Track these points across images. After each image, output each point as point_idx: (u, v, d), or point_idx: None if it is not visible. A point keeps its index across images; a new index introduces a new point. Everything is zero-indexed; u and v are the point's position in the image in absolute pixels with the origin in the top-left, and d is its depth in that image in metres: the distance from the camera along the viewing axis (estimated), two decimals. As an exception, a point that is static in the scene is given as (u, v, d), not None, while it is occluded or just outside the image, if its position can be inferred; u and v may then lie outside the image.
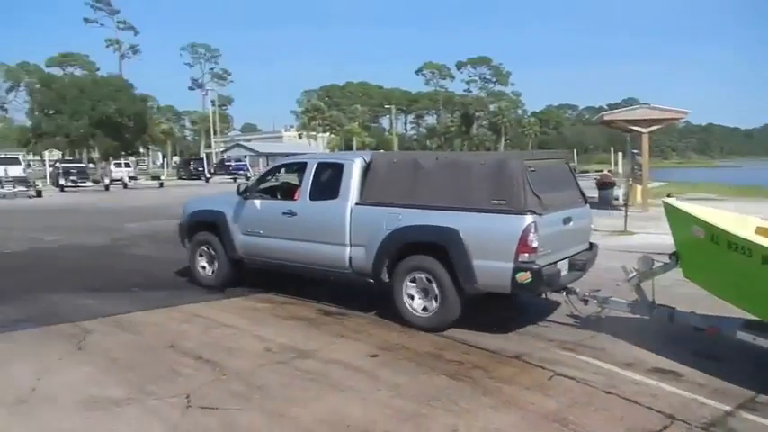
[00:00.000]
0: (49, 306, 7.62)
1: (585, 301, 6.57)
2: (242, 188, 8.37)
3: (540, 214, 6.10)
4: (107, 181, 39.40)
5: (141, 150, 65.00)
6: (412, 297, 6.69)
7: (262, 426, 4.31)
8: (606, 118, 21.68)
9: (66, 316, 7.11)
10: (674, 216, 5.93)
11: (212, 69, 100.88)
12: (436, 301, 6.51)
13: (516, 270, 5.98)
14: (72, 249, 11.85)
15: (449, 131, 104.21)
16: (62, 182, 36.93)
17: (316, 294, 8.10)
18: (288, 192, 8.33)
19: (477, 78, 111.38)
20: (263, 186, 8.51)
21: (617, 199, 22.20)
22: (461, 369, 5.44)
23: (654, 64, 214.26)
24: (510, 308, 7.33)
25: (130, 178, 42.82)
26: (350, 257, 7.12)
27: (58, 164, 43.84)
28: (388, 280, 6.85)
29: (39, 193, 30.52)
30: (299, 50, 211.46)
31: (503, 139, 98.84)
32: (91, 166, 48.73)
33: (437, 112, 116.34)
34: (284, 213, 7.70)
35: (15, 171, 32.20)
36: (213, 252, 8.44)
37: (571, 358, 5.65)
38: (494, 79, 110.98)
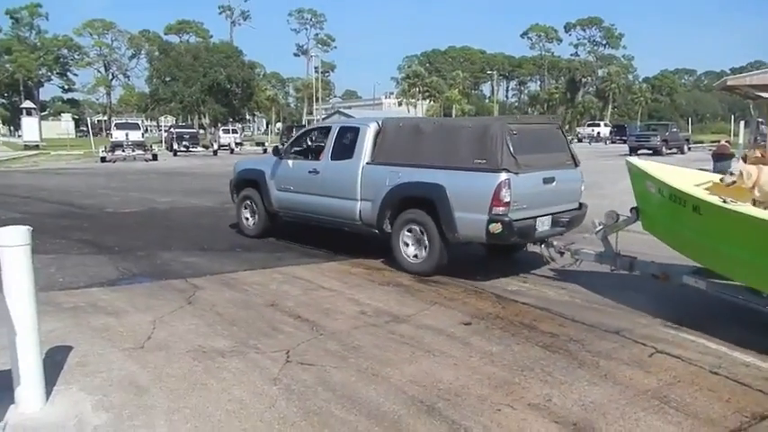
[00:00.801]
0: (163, 263, 8.22)
1: (561, 253, 7.30)
2: (279, 149, 9.62)
3: (516, 173, 6.83)
4: (216, 146, 41.33)
5: (247, 117, 67.66)
6: (407, 245, 7.57)
7: (356, 383, 4.45)
8: (730, 83, 20.01)
9: (178, 272, 7.65)
10: (634, 173, 6.58)
11: (317, 35, 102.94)
12: (425, 250, 7.35)
13: (490, 221, 6.77)
14: (183, 211, 12.65)
15: (552, 98, 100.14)
16: (175, 146, 39.26)
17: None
18: (316, 152, 9.17)
19: (585, 41, 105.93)
20: (296, 148, 9.52)
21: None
22: (557, 341, 5.33)
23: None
24: (616, 285, 7.08)
25: (237, 144, 44.56)
26: (360, 211, 8.04)
27: (171, 129, 46.62)
28: (389, 230, 7.72)
29: (155, 157, 32.66)
30: (402, 14, 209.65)
31: (610, 106, 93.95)
32: (201, 131, 51.31)
33: (541, 78, 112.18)
34: (310, 172, 8.72)
35: (135, 136, 34.61)
36: (255, 206, 9.62)
37: (675, 336, 5.38)
38: (604, 42, 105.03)
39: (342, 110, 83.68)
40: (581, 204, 7.98)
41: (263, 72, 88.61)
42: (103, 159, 31.71)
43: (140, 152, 32.85)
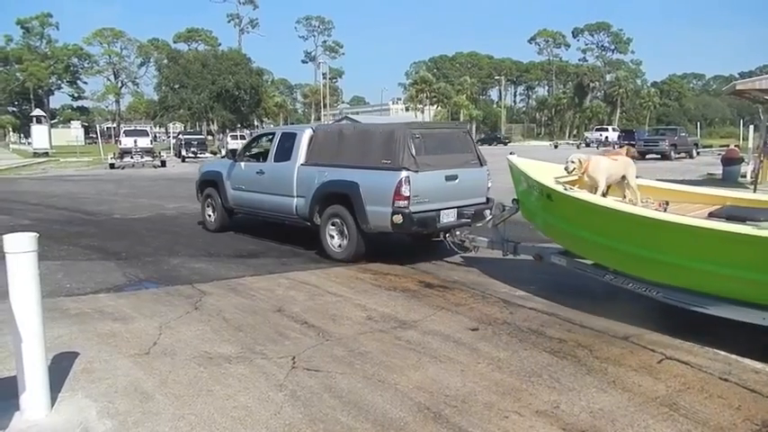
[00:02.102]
0: (170, 269, 8.23)
1: (462, 241, 8.13)
2: (235, 152, 10.91)
3: (416, 171, 7.86)
4: (224, 152, 41.48)
5: (255, 123, 67.95)
6: (332, 236, 8.58)
7: (362, 389, 4.42)
8: (739, 87, 19.84)
9: (185, 278, 7.66)
10: (513, 170, 7.48)
11: (325, 42, 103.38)
12: (346, 240, 8.29)
13: (393, 213, 7.80)
14: (190, 217, 12.65)
15: (560, 103, 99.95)
16: (183, 153, 39.46)
17: (418, 266, 8.27)
18: (263, 155, 10.26)
19: (594, 46, 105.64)
20: (248, 152, 10.82)
21: (744, 176, 20.51)
22: (564, 347, 5.28)
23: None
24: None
25: (245, 150, 44.55)
26: (296, 206, 9.08)
27: (180, 136, 46.88)
28: (318, 223, 8.70)
29: (163, 163, 32.83)
30: (409, 20, 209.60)
31: (618, 111, 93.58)
32: (209, 138, 51.57)
33: (549, 83, 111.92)
34: (257, 172, 9.86)
35: (143, 142, 34.77)
36: (214, 203, 10.83)
37: (684, 343, 5.31)
38: (612, 47, 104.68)
39: (349, 115, 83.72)
40: (488, 199, 8.82)
41: (271, 79, 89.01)
42: (112, 166, 31.91)
43: (149, 159, 33.05)
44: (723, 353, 5.09)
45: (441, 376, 4.67)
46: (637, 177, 7.00)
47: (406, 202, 7.79)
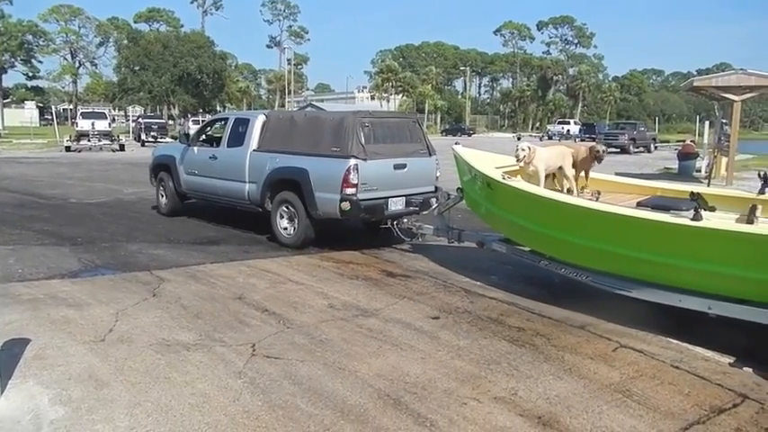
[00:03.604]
0: (128, 255, 8.05)
1: (410, 229, 8.35)
2: (188, 137, 10.84)
3: (365, 159, 7.96)
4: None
5: (218, 108, 66.85)
6: (282, 222, 8.64)
7: (322, 376, 4.41)
8: (696, 84, 20.37)
9: (143, 264, 7.50)
10: (457, 159, 7.65)
11: (290, 27, 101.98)
12: (296, 226, 8.40)
13: (341, 200, 7.88)
14: (150, 202, 12.35)
15: (524, 96, 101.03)
16: (143, 137, 38.55)
17: (381, 255, 8.31)
18: (216, 140, 10.30)
19: (557, 40, 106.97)
20: (201, 136, 10.71)
21: (699, 170, 21.11)
22: (523, 335, 5.37)
23: (749, 27, 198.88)
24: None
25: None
26: (248, 192, 9.08)
27: (140, 119, 45.73)
28: (269, 208, 8.74)
29: (122, 147, 32.01)
30: (376, 8, 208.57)
31: (580, 104, 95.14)
32: (170, 122, 50.50)
33: (513, 76, 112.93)
34: (210, 157, 9.84)
35: (101, 125, 33.75)
36: (166, 187, 10.81)
37: (638, 332, 5.46)
38: (576, 41, 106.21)
39: (314, 103, 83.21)
40: (436, 188, 8.96)
41: (234, 63, 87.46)
42: (68, 149, 31.00)
43: (107, 142, 32.14)
44: (675, 341, 5.25)
45: (401, 364, 4.69)
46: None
47: (354, 189, 7.91)
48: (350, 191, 7.90)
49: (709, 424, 3.92)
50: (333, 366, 4.61)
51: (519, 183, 6.50)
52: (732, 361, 4.86)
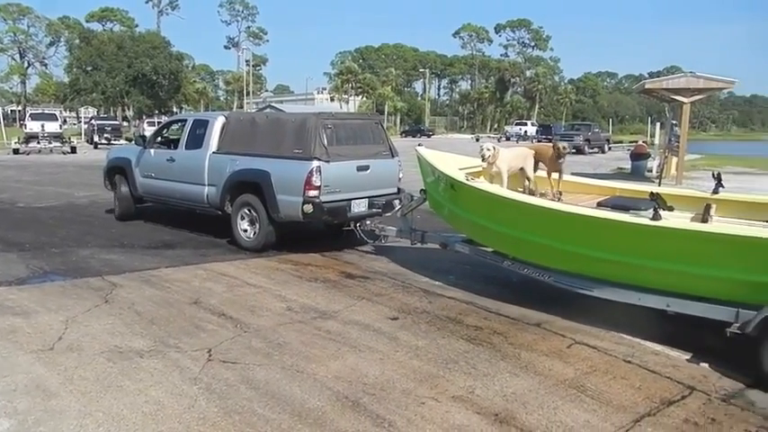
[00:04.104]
0: (79, 260, 7.82)
1: (372, 230, 8.27)
2: (144, 139, 10.57)
3: (327, 161, 7.88)
4: (139, 139, 39.78)
5: (175, 109, 65.59)
6: (243, 225, 8.50)
7: (279, 380, 4.37)
8: (648, 86, 20.97)
9: (95, 270, 7.30)
10: (420, 161, 7.67)
11: (249, 28, 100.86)
12: (257, 229, 8.27)
13: (303, 203, 7.79)
14: (102, 206, 12.05)
15: (482, 97, 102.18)
16: (96, 139, 37.49)
17: (340, 257, 8.30)
18: (174, 142, 10.12)
19: (515, 42, 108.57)
20: (158, 138, 10.53)
21: (650, 170, 21.70)
22: (481, 334, 5.42)
23: (698, 30, 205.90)
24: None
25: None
26: (207, 195, 8.94)
27: (93, 121, 44.48)
28: (230, 211, 8.61)
29: (73, 150, 31.10)
30: (335, 10, 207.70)
31: (537, 106, 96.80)
32: (124, 123, 49.33)
33: (472, 77, 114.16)
34: (168, 160, 9.64)
35: (52, 127, 32.68)
36: (120, 191, 10.53)
37: (592, 328, 5.58)
38: (532, 44, 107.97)
39: (273, 104, 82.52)
40: (399, 189, 8.91)
41: (191, 64, 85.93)
42: (16, 151, 29.94)
43: (57, 144, 31.15)
44: (628, 337, 5.39)
45: (360, 365, 4.68)
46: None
47: (316, 191, 7.83)
48: (312, 193, 7.82)
49: (659, 416, 4.03)
50: (291, 370, 4.57)
51: (482, 184, 6.57)
52: (688, 356, 5.00)
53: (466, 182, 6.44)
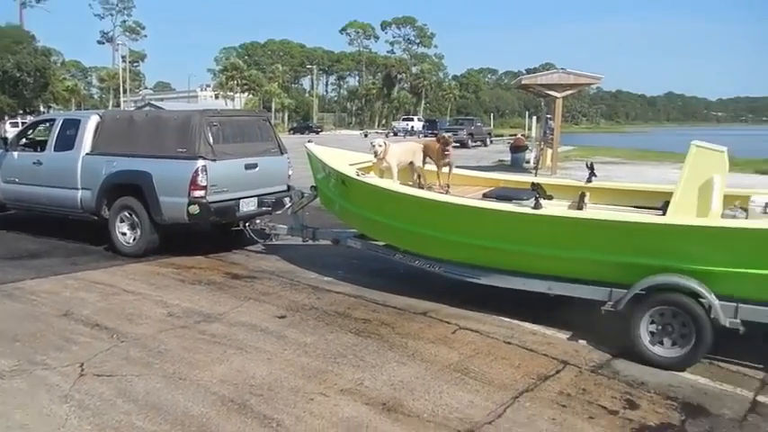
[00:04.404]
0: (-71, 275, 7.03)
1: (263, 229, 8.05)
2: (6, 141, 9.93)
3: (213, 160, 7.62)
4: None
5: (42, 109, 60.79)
6: (122, 230, 8.07)
7: (160, 389, 4.17)
8: (524, 82, 22.11)
9: (-52, 285, 6.59)
10: (310, 157, 7.64)
11: (124, 22, 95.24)
12: (138, 233, 7.92)
13: (189, 204, 7.50)
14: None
15: (370, 93, 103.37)
16: (-50, 143, 34.00)
17: (225, 257, 8.09)
18: (41, 144, 9.43)
19: (401, 39, 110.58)
20: (23, 140, 9.89)
21: (528, 162, 22.88)
22: (369, 326, 5.47)
23: (571, 31, 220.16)
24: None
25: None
26: (81, 199, 8.40)
27: (-54, 123, 40.32)
28: (107, 216, 8.16)
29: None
30: (218, 4, 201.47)
31: (423, 102, 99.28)
32: (-16, 125, 45.25)
33: (359, 74, 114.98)
34: (34, 163, 8.96)
35: None
36: None
37: (476, 313, 5.80)
38: (417, 41, 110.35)
39: (153, 102, 78.62)
40: (289, 187, 8.78)
41: (61, 60, 79.94)
42: None
43: None
44: (507, 319, 5.65)
45: (246, 367, 4.57)
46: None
47: (203, 191, 7.54)
48: (198, 193, 7.53)
49: (536, 390, 4.26)
50: (172, 378, 4.37)
51: (372, 179, 6.60)
52: (562, 334, 5.32)
53: (356, 177, 6.45)
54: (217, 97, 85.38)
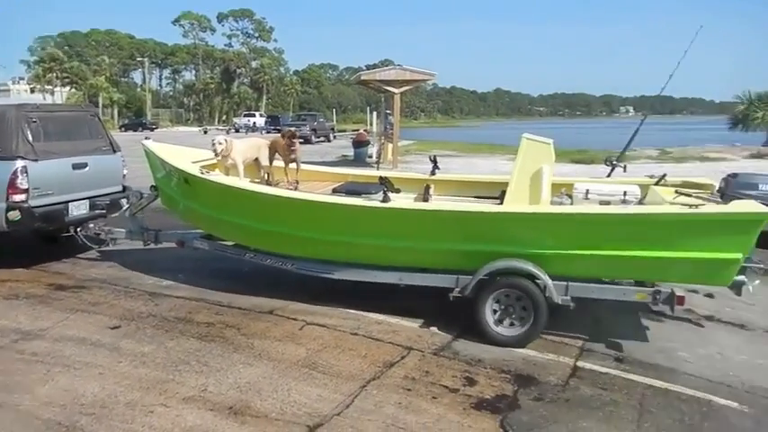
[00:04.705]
0: None
1: (98, 234, 7.50)
2: None
3: (35, 160, 6.97)
4: None
5: None
6: None
7: (-31, 422, 3.69)
8: (363, 78, 22.52)
9: None
10: (149, 155, 7.18)
11: None
12: None
13: (8, 209, 6.81)
14: None
15: (208, 88, 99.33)
16: None
17: (48, 267, 7.38)
18: None
19: (239, 33, 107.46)
20: None
21: (371, 156, 23.45)
22: (212, 330, 5.28)
23: (410, 29, 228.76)
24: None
25: None
26: None
27: None
28: None
29: None
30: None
31: (264, 97, 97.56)
32: None
33: (196, 68, 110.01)
34: None
35: None
36: None
37: (323, 308, 5.82)
38: (256, 34, 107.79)
39: (-46, 97, 69.16)
40: (125, 187, 8.27)
41: None
42: None
43: None
44: (354, 311, 5.75)
45: (75, 385, 4.20)
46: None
47: (23, 195, 6.84)
48: (18, 197, 6.81)
49: (383, 378, 4.39)
50: (-15, 405, 3.89)
51: (218, 176, 6.33)
52: (405, 321, 5.51)
53: (201, 175, 6.14)
54: (33, 91, 76.98)
